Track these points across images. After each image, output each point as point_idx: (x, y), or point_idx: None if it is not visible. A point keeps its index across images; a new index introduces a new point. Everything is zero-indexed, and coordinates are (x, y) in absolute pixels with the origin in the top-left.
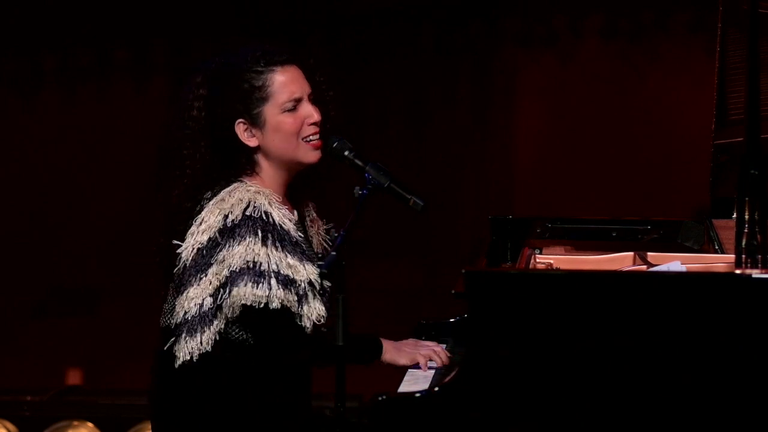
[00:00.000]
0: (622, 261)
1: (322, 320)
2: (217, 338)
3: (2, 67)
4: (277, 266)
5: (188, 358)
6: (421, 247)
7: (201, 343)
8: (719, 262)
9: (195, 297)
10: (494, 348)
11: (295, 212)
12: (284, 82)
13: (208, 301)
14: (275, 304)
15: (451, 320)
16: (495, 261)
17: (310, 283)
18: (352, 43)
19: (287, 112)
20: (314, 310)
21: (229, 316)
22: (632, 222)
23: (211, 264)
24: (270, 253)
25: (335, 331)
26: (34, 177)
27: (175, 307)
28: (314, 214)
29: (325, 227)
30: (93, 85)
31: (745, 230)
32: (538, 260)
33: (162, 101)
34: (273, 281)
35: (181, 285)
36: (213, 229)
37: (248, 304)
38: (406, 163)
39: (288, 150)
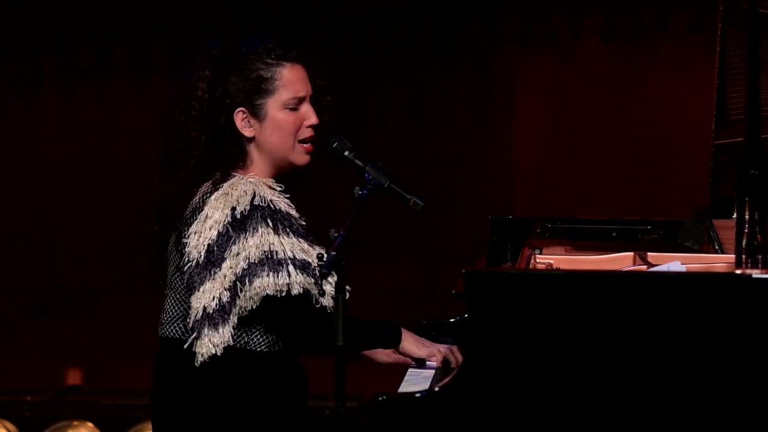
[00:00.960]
0: (622, 261)
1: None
2: (232, 332)
3: (2, 67)
4: (292, 252)
5: (213, 352)
6: (421, 247)
7: (224, 335)
8: (719, 262)
9: (212, 291)
10: (494, 348)
11: None
12: (292, 79)
13: (225, 294)
14: (296, 290)
15: (451, 320)
16: (495, 261)
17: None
18: (352, 43)
19: (289, 109)
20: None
21: (247, 308)
22: (632, 222)
23: (225, 258)
24: (283, 241)
25: (335, 330)
26: (34, 177)
27: (177, 317)
28: None
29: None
30: (93, 85)
31: (745, 230)
32: (538, 260)
33: (162, 101)
34: (291, 268)
35: (192, 282)
36: (221, 224)
37: (271, 294)
38: (406, 163)
39: (282, 148)
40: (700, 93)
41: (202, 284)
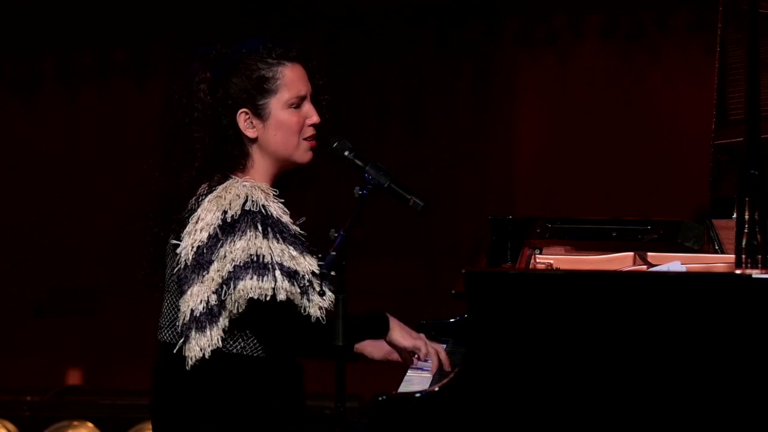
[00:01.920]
0: (622, 261)
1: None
2: (224, 336)
3: (2, 67)
4: (280, 258)
5: (200, 355)
6: (421, 247)
7: (212, 338)
8: (719, 262)
9: (199, 294)
10: (494, 348)
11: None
12: (293, 78)
13: (213, 297)
14: (282, 296)
15: (451, 320)
16: (495, 261)
17: (313, 273)
18: (352, 43)
19: (291, 108)
20: (322, 300)
21: (233, 311)
22: (632, 222)
23: (213, 261)
24: (272, 246)
25: (335, 330)
26: (34, 177)
27: (174, 321)
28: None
29: (298, 222)
30: (93, 85)
31: (745, 230)
32: (538, 260)
33: (162, 102)
34: (278, 273)
35: (182, 284)
36: (212, 226)
37: (255, 297)
38: (406, 163)
39: (286, 147)
40: (700, 93)
41: (191, 287)
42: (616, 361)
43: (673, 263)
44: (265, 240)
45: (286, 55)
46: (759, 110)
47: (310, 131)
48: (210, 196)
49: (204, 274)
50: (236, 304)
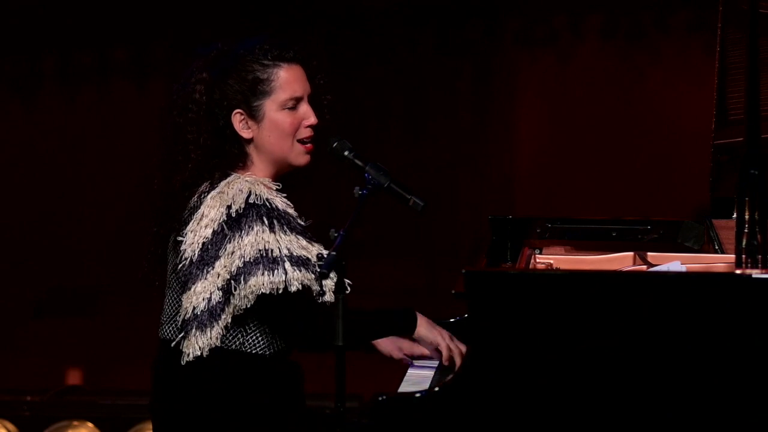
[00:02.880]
0: (622, 261)
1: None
2: (224, 333)
3: (2, 67)
4: (289, 250)
5: (198, 353)
6: (421, 247)
7: (211, 337)
8: (719, 262)
9: (203, 291)
10: (494, 348)
11: None
12: (288, 80)
13: (217, 294)
14: (294, 287)
15: (451, 320)
16: (495, 261)
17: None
18: (352, 43)
19: (287, 110)
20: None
21: (240, 307)
22: (632, 222)
23: (219, 257)
24: (279, 239)
25: (335, 330)
26: (34, 177)
27: (174, 317)
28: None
29: (305, 224)
30: (93, 85)
31: (745, 230)
32: (538, 260)
33: (162, 101)
34: (287, 265)
35: (186, 281)
36: (216, 222)
37: (266, 292)
38: (406, 163)
39: (281, 148)
40: (700, 93)
41: (194, 284)
42: (616, 361)
43: (673, 263)
44: (272, 233)
45: (282, 57)
46: (759, 110)
47: (306, 132)
48: (212, 193)
49: (209, 270)
50: (245, 300)
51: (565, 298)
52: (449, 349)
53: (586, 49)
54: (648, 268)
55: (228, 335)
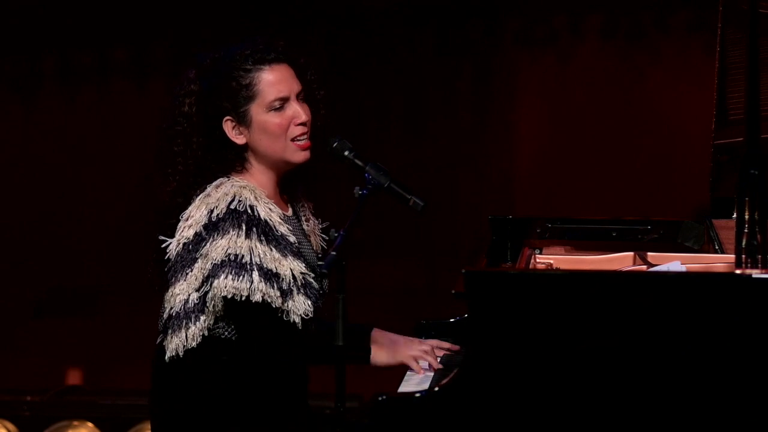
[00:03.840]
0: (622, 261)
1: (309, 315)
2: (206, 334)
3: (2, 67)
4: (261, 260)
5: (174, 354)
6: (421, 247)
7: (186, 339)
8: (719, 262)
9: (180, 293)
10: (494, 348)
11: (290, 208)
12: (271, 81)
13: (194, 296)
14: (257, 297)
15: (451, 320)
16: (495, 261)
17: (294, 278)
18: (352, 43)
19: (273, 111)
20: (300, 305)
21: (212, 310)
22: (632, 222)
23: (196, 259)
24: (253, 247)
25: (335, 330)
26: (34, 177)
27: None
28: (309, 213)
29: (320, 226)
30: (93, 85)
31: (745, 230)
32: (538, 260)
33: (162, 101)
34: (255, 274)
35: (168, 281)
36: (199, 224)
37: (229, 296)
38: (406, 163)
39: (275, 150)
40: (700, 93)
41: (174, 285)
42: (616, 361)
43: (673, 263)
44: (247, 240)
45: (263, 59)
46: (759, 110)
47: (298, 131)
48: (201, 195)
49: (188, 272)
50: (213, 302)
51: (565, 298)
52: (415, 360)
53: (586, 49)
54: (648, 268)
55: (222, 329)
